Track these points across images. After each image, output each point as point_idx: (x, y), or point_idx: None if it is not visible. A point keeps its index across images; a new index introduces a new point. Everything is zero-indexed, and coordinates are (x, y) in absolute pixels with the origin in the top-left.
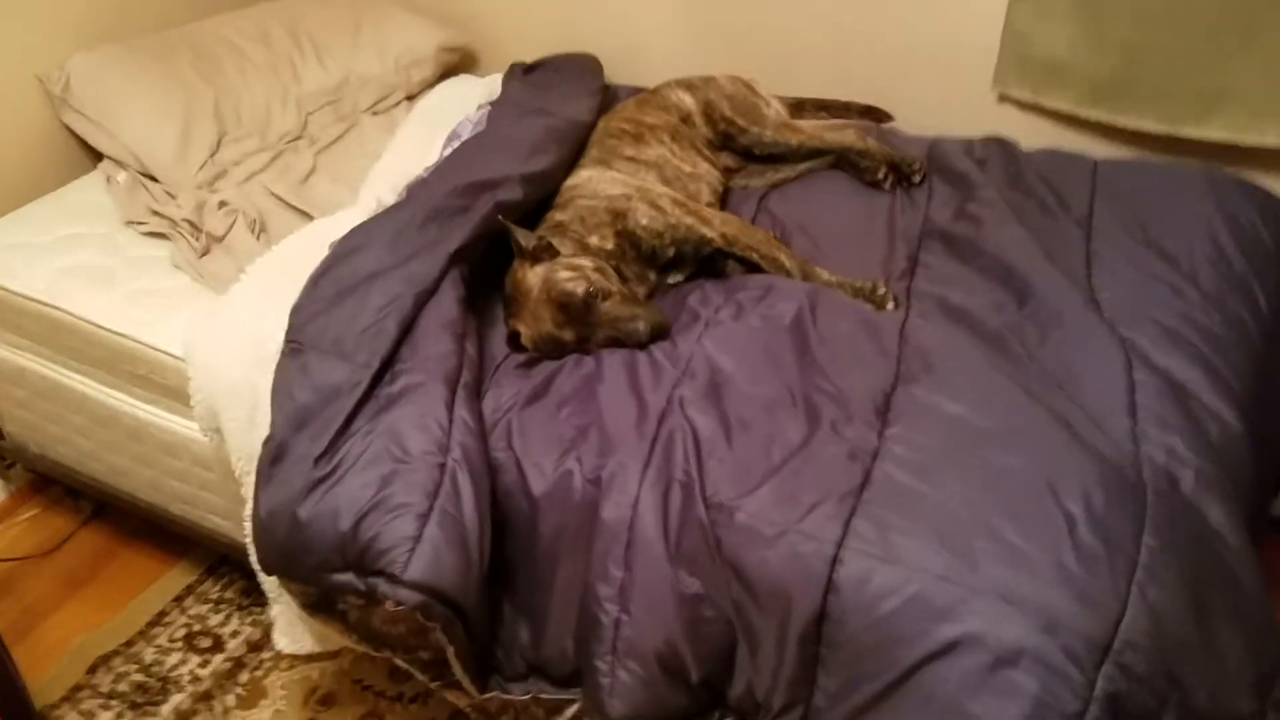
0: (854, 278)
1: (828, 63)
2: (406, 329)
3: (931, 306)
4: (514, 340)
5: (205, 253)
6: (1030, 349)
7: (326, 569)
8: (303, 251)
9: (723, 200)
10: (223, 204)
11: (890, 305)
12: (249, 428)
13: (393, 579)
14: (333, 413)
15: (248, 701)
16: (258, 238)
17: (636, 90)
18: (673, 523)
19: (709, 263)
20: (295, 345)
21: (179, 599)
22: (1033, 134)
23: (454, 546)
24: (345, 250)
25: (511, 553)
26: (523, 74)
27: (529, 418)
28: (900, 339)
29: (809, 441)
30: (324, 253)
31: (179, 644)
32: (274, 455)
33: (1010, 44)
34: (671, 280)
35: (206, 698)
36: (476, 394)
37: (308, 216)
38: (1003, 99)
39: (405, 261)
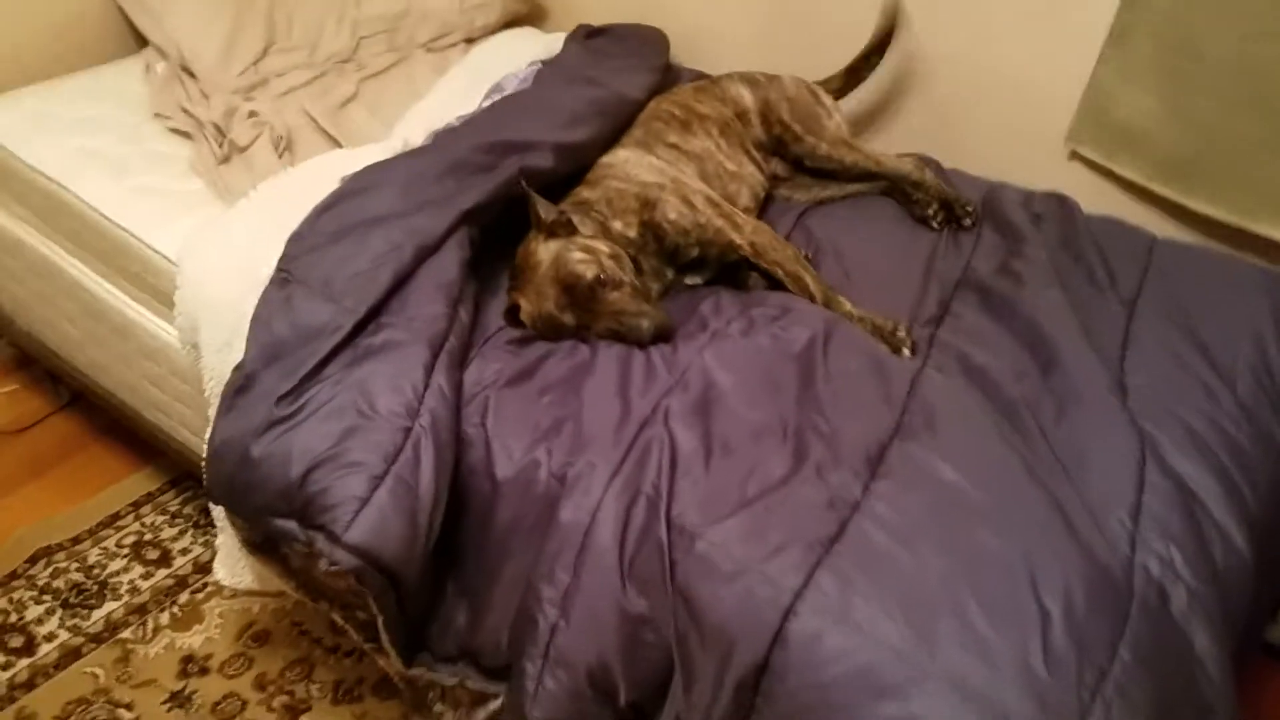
0: (877, 314)
1: (896, 82)
2: (401, 282)
3: (951, 361)
4: (512, 314)
5: (225, 160)
6: (1044, 425)
7: (270, 512)
8: (317, 179)
9: (762, 208)
10: (253, 114)
11: (906, 352)
12: (225, 350)
13: (333, 537)
14: (307, 353)
15: (181, 623)
16: (280, 156)
17: (699, 75)
18: (631, 537)
19: (731, 270)
20: (284, 275)
21: (137, 505)
22: (1097, 198)
23: (402, 515)
24: (356, 187)
25: (465, 532)
26: (585, 37)
27: (508, 398)
28: (910, 390)
29: (789, 479)
30: (336, 184)
31: (126, 551)
32: (240, 384)
33: (1091, 102)
34: (689, 281)
35: (141, 611)
36: (460, 363)
37: (336, 143)
38: (1074, 156)
39: (414, 211)
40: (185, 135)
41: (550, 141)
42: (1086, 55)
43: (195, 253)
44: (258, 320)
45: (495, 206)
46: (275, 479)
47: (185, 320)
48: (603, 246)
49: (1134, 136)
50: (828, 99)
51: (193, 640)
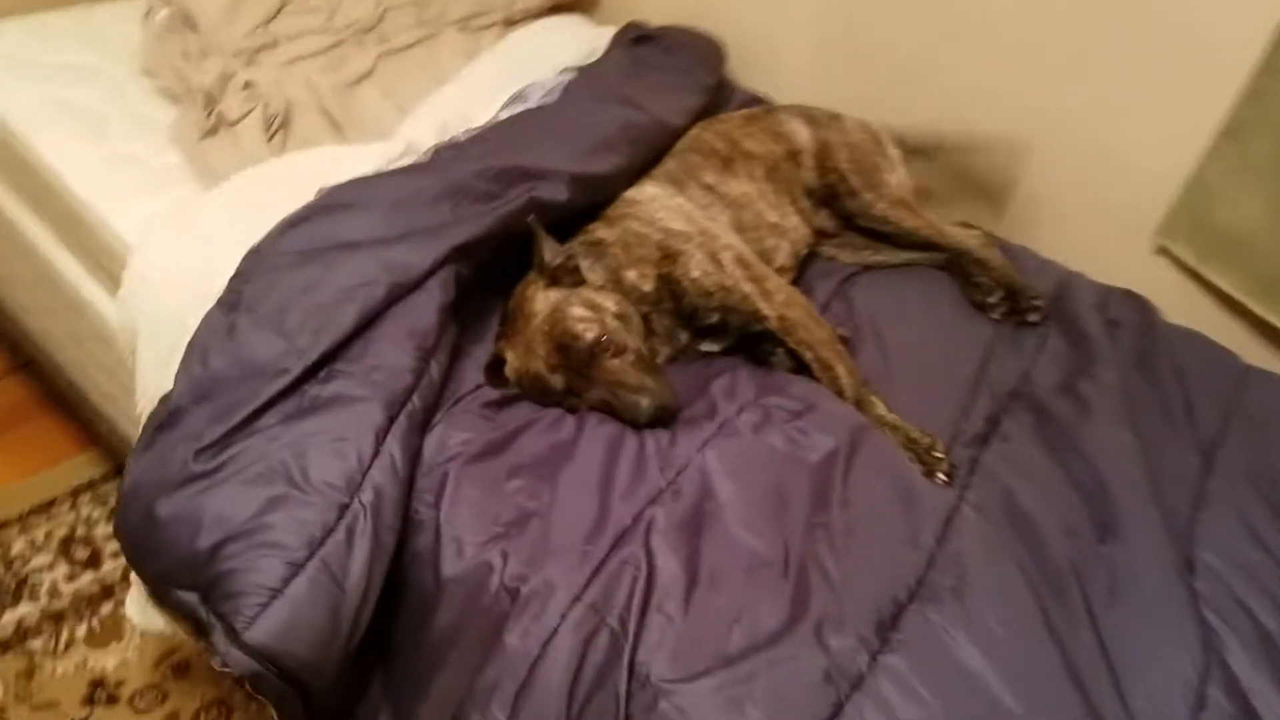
0: (913, 425)
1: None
2: (367, 322)
3: (993, 499)
4: (495, 369)
5: (210, 134)
6: (1092, 605)
7: (171, 581)
8: (301, 179)
9: (802, 266)
10: (248, 84)
11: (941, 478)
12: (163, 368)
13: (231, 632)
14: (243, 396)
15: (98, 639)
16: (270, 138)
17: (751, 99)
18: (585, 679)
19: (754, 341)
20: (234, 296)
21: (75, 493)
22: (1182, 303)
23: (320, 613)
24: (333, 202)
25: (400, 626)
26: (631, 42)
27: (471, 477)
28: (941, 533)
29: (782, 637)
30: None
31: (55, 545)
32: (164, 419)
33: (1191, 197)
34: (705, 348)
35: (57, 619)
36: (422, 427)
37: (336, 129)
38: (1161, 252)
39: (396, 240)
40: (174, 99)
41: (568, 171)
42: (1194, 146)
43: (147, 247)
44: (194, 346)
45: (493, 242)
46: (180, 546)
47: (126, 323)
48: (609, 303)
49: (1233, 242)
50: (893, 149)
51: (107, 661)
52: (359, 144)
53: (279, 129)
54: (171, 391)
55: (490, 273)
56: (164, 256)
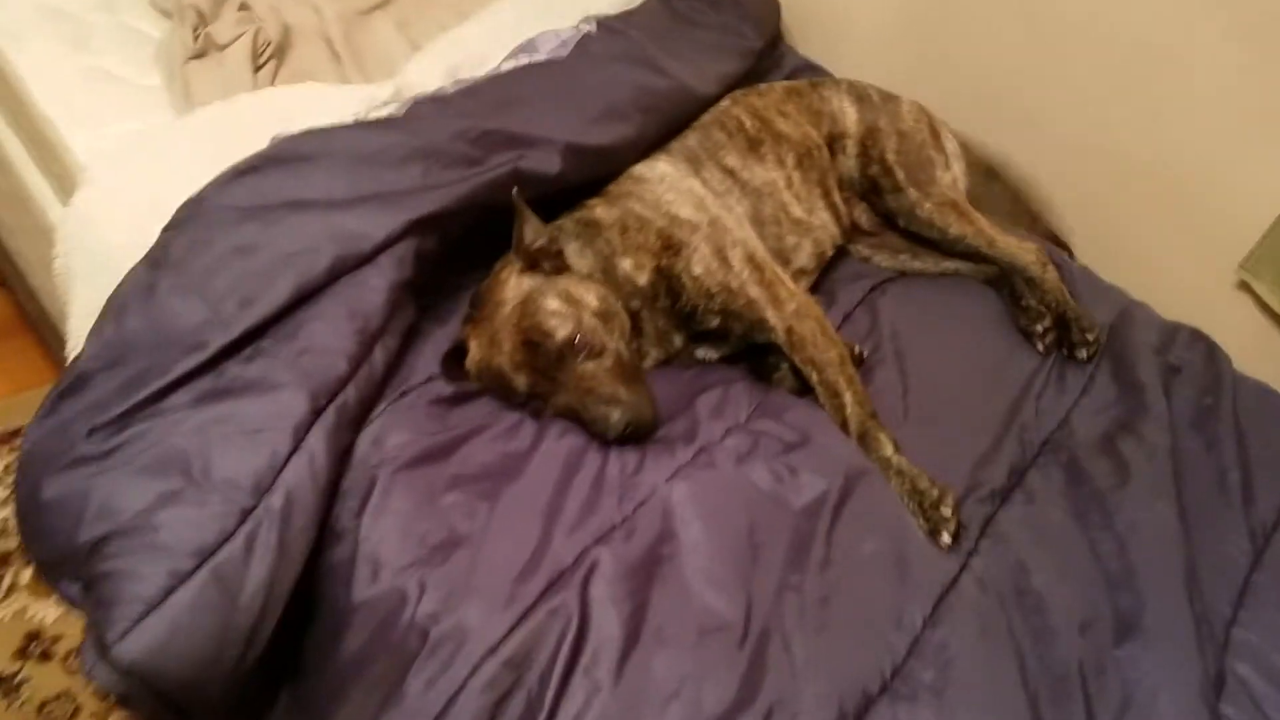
0: (924, 471)
1: (1042, 154)
2: (304, 296)
3: (1002, 573)
4: (454, 359)
5: (197, 56)
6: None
7: (52, 570)
8: (275, 118)
9: (830, 264)
10: (244, 7)
11: (945, 540)
12: (92, 317)
13: (100, 645)
14: (153, 367)
15: (43, 589)
16: (259, 67)
17: (807, 68)
18: None
19: (757, 352)
20: (160, 251)
21: None
22: (1259, 351)
23: (204, 631)
24: (288, 153)
25: (311, 645)
26: None
27: (403, 486)
28: (932, 612)
29: None
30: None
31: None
32: (69, 384)
33: None
34: (701, 355)
35: (3, 561)
36: (355, 423)
37: (337, 62)
38: (1242, 287)
39: (351, 204)
40: (166, 14)
41: (564, 140)
42: None
43: (96, 177)
44: (112, 303)
45: (467, 215)
46: (61, 536)
47: (62, 261)
48: (590, 297)
49: None
50: (951, 143)
51: (46, 614)
52: (353, 84)
53: (270, 58)
54: (80, 353)
55: (475, 244)
56: (110, 190)
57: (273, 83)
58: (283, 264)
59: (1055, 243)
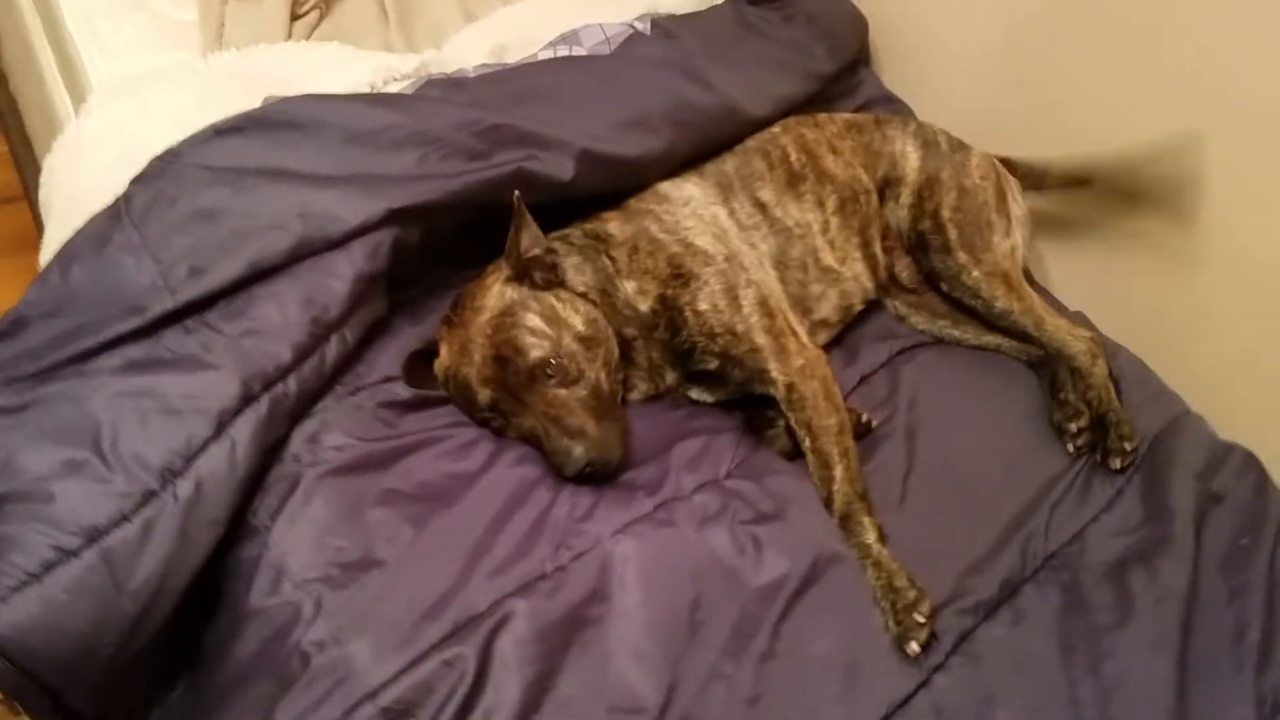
0: (904, 568)
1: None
2: (261, 274)
3: (964, 702)
4: (420, 361)
5: None
6: None
7: None
8: (285, 76)
9: (860, 316)
10: None
11: (914, 647)
12: None
13: None
14: (89, 324)
15: None
16: (299, 16)
17: (885, 101)
18: None
19: (755, 403)
20: (122, 203)
21: None
22: None
23: (81, 615)
24: (277, 117)
25: (209, 642)
26: (749, 0)
27: (330, 492)
28: None
29: None
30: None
31: None
32: (6, 326)
33: None
34: (694, 396)
35: None
36: (293, 416)
37: (385, 22)
38: None
39: (332, 182)
40: None
41: (580, 146)
42: None
43: (92, 111)
44: (63, 252)
45: (462, 211)
46: None
47: (44, 195)
48: (576, 320)
49: None
50: (1019, 207)
51: None
52: (395, 50)
53: (314, 8)
54: (24, 297)
55: (475, 242)
56: (101, 128)
57: (309, 36)
58: (244, 236)
59: None
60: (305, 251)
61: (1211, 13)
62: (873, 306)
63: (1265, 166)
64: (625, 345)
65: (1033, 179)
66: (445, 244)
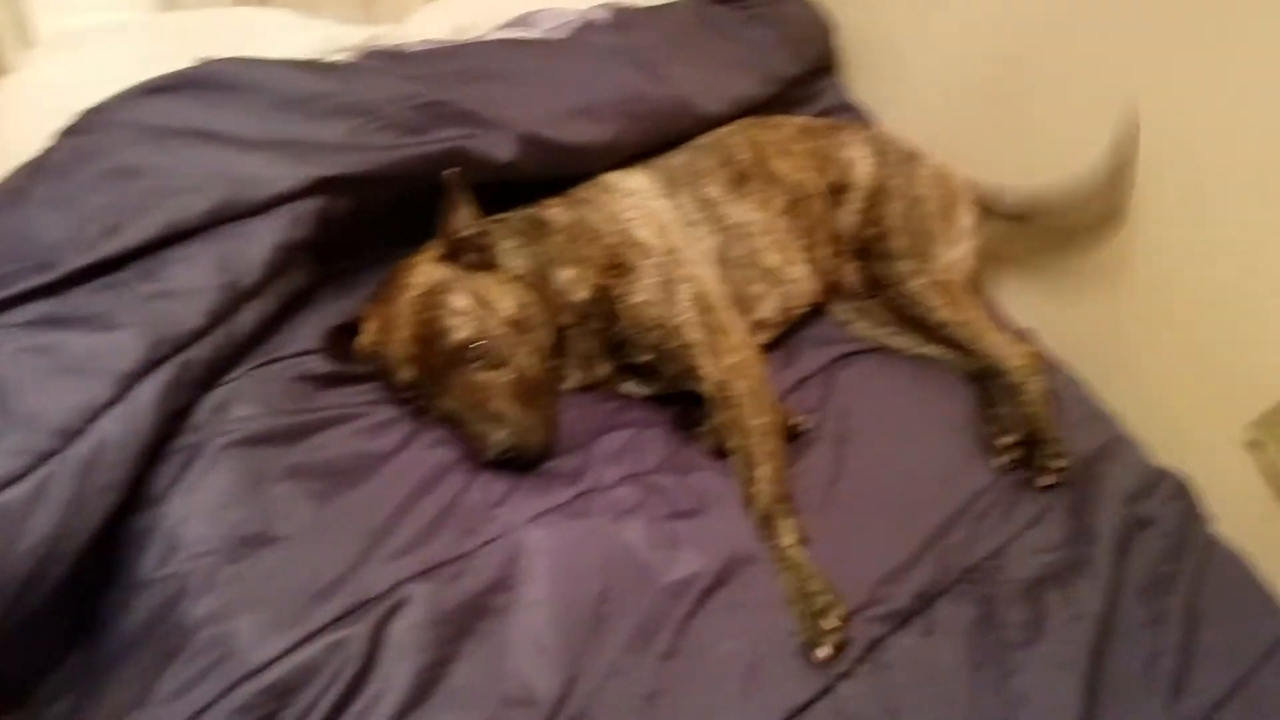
0: (820, 573)
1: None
2: (177, 237)
3: (868, 710)
4: (343, 335)
5: None
6: None
7: None
8: (227, 39)
9: (802, 320)
10: None
11: (822, 655)
12: None
13: None
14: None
15: None
16: None
17: (844, 109)
18: None
19: (689, 399)
20: (45, 157)
21: None
22: (1249, 522)
23: None
24: (210, 78)
25: (102, 610)
26: None
27: (232, 463)
28: None
29: None
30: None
31: None
32: None
33: None
34: (625, 389)
35: None
36: (201, 383)
37: None
38: (1250, 447)
39: (259, 146)
40: None
41: (522, 129)
42: None
43: (32, 61)
44: None
45: (397, 185)
46: None
47: None
48: (506, 302)
49: None
50: (968, 219)
51: None
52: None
53: None
54: None
55: (417, 217)
56: (40, 81)
57: (266, 1)
58: (162, 196)
59: None
60: (225, 215)
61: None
62: (817, 311)
63: (1212, 195)
64: (560, 333)
65: (984, 204)
66: (383, 219)
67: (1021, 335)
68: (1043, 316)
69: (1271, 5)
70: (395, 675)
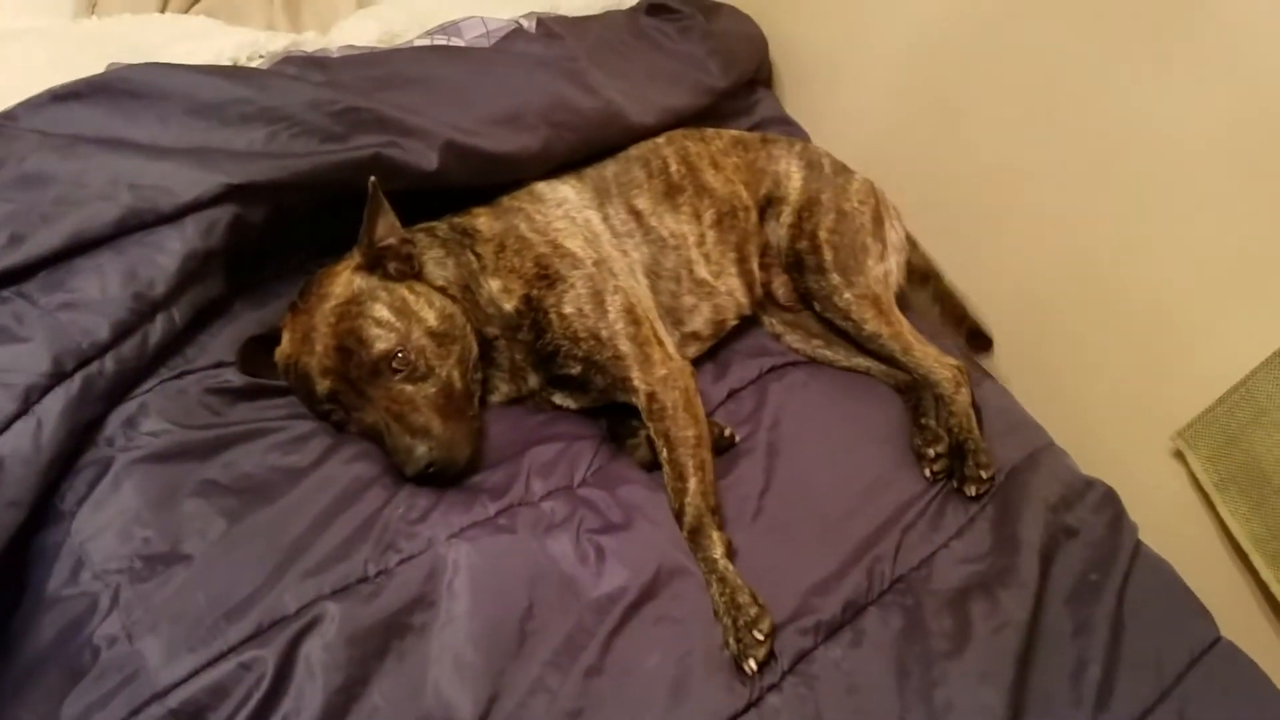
0: (747, 585)
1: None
2: (84, 247)
3: (800, 718)
4: (257, 348)
5: None
6: None
7: None
8: (144, 46)
9: (734, 333)
10: None
11: (751, 666)
12: None
13: None
14: None
15: None
16: None
17: (780, 122)
18: None
19: (620, 411)
20: None
21: None
22: (1175, 529)
23: None
24: (119, 84)
25: (11, 628)
26: (646, 9)
27: (142, 479)
28: None
29: None
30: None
31: None
32: None
33: (1230, 410)
34: (558, 401)
35: None
36: (109, 396)
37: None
38: (1176, 456)
39: (169, 154)
40: None
41: (446, 137)
42: (1253, 354)
43: None
44: None
45: (315, 193)
46: None
47: None
48: (428, 314)
49: (1260, 478)
50: (896, 233)
51: None
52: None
53: None
54: None
55: (338, 227)
56: None
57: (188, 9)
58: (68, 205)
59: (979, 337)
60: (133, 224)
61: (1086, 51)
62: (749, 323)
63: (1142, 208)
64: (487, 345)
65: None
66: (301, 227)
67: (947, 349)
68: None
69: (1196, 19)
70: (308, 695)
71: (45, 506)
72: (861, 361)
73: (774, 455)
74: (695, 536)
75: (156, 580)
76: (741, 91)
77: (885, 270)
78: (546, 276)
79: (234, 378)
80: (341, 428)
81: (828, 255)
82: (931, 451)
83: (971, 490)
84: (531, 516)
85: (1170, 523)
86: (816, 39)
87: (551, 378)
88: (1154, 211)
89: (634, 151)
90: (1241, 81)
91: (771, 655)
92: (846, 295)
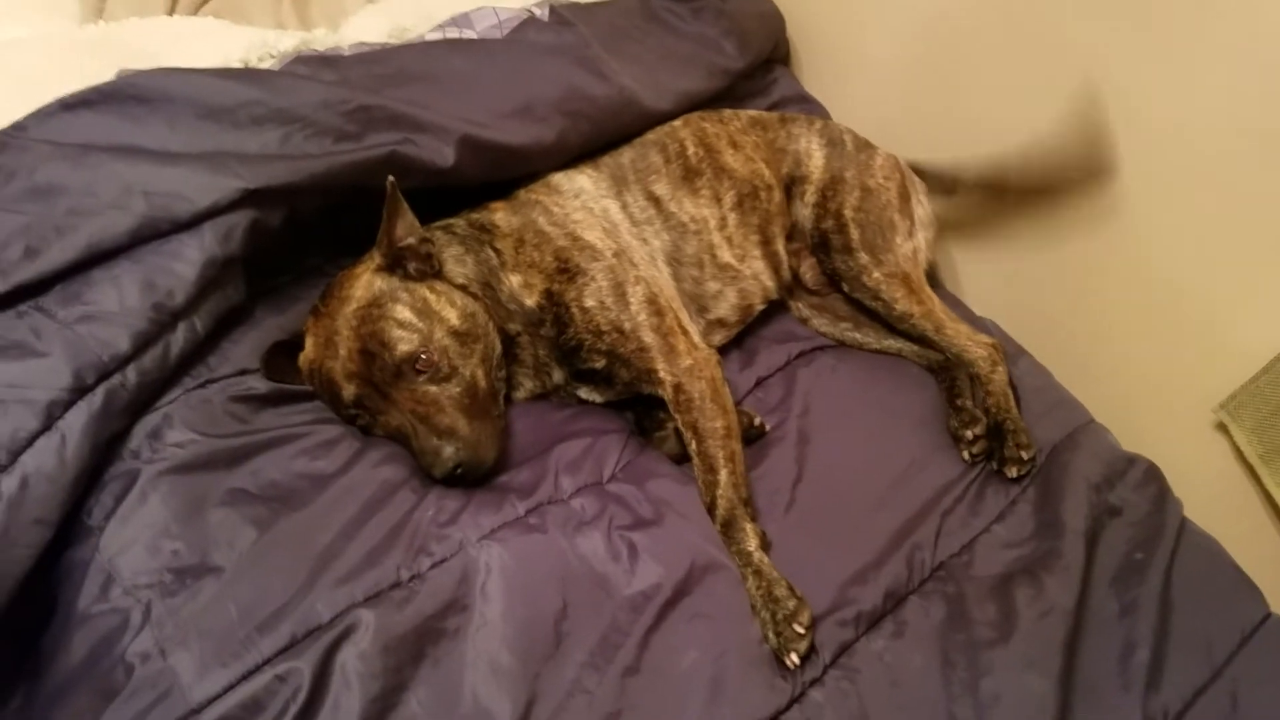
0: (784, 577)
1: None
2: (99, 258)
3: (839, 715)
4: (282, 354)
5: None
6: None
7: None
8: (155, 49)
9: (760, 318)
10: None
11: (793, 661)
12: None
13: None
14: None
15: None
16: None
17: (803, 100)
18: None
19: (646, 403)
20: None
21: None
22: (1221, 503)
23: None
24: (128, 91)
25: (43, 648)
26: None
27: (169, 491)
28: None
29: None
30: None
31: None
32: None
33: (1275, 379)
34: (583, 395)
35: None
36: (133, 408)
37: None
38: (1218, 428)
39: (181, 160)
40: None
41: (461, 131)
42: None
43: None
44: None
45: (331, 195)
46: None
47: None
48: (450, 313)
49: None
50: (923, 209)
51: None
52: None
53: None
54: None
55: (354, 228)
56: None
57: (196, 11)
58: (82, 215)
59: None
60: (149, 233)
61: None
62: (775, 308)
63: (1171, 183)
64: (509, 341)
65: (944, 184)
66: (319, 230)
67: (982, 326)
68: (1006, 303)
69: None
70: (345, 706)
71: (72, 522)
72: (892, 343)
73: (805, 443)
74: (728, 530)
75: (186, 593)
76: (758, 71)
77: (914, 247)
78: (566, 270)
79: (258, 384)
80: (368, 431)
81: (854, 234)
82: (969, 433)
83: (1012, 472)
84: (561, 514)
85: (1215, 498)
86: (835, 12)
87: (575, 372)
88: (1189, 182)
89: (650, 136)
90: (1275, 49)
91: (813, 649)
92: (875, 274)
